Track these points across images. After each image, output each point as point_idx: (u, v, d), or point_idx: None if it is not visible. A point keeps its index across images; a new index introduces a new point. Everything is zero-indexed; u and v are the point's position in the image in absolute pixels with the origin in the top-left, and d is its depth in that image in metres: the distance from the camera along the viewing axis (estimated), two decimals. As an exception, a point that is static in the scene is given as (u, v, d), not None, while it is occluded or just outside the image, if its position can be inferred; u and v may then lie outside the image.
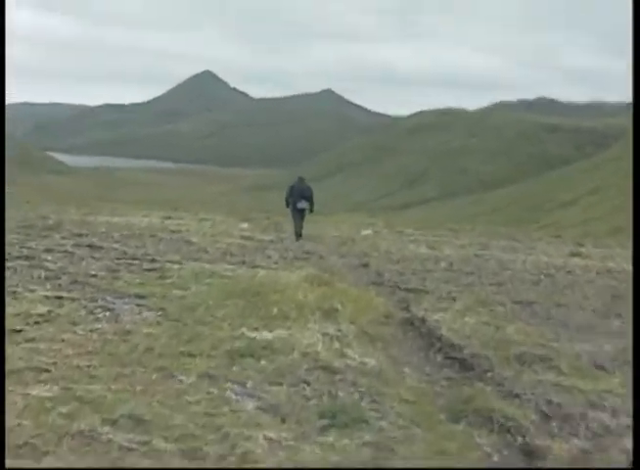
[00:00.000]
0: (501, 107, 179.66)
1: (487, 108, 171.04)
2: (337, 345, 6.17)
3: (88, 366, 5.25)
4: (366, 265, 12.18)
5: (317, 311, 7.11)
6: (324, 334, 6.45)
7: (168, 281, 8.96)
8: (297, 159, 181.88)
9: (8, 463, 3.67)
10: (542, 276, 12.40)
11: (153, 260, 10.77)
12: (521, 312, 8.71)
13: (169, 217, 24.92)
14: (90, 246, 12.13)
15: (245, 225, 20.93)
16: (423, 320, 7.48)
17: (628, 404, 4.91)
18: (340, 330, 6.65)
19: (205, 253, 12.40)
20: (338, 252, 14.78)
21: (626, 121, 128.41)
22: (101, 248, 12.03)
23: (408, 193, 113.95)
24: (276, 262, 11.47)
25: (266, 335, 6.32)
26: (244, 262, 11.29)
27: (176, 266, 10.24)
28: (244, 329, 6.50)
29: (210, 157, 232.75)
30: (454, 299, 9.14)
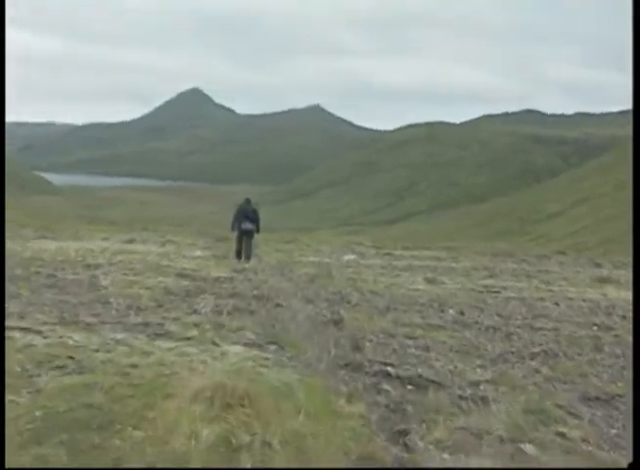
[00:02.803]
0: (487, 119, 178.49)
1: (474, 120, 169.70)
2: None
3: None
4: (339, 323, 8.11)
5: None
6: None
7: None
8: (286, 175, 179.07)
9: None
10: (599, 332, 8.44)
11: (-4, 328, 6.74)
12: (608, 429, 4.77)
13: (133, 241, 21.13)
14: None
15: (198, 253, 16.90)
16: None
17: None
18: None
19: (102, 305, 8.37)
20: (306, 293, 10.79)
21: (611, 132, 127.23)
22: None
23: (397, 207, 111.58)
24: (197, 325, 7.35)
25: None
26: (147, 326, 7.22)
27: (20, 341, 6.24)
28: None
29: (197, 174, 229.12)
30: (485, 401, 5.17)
